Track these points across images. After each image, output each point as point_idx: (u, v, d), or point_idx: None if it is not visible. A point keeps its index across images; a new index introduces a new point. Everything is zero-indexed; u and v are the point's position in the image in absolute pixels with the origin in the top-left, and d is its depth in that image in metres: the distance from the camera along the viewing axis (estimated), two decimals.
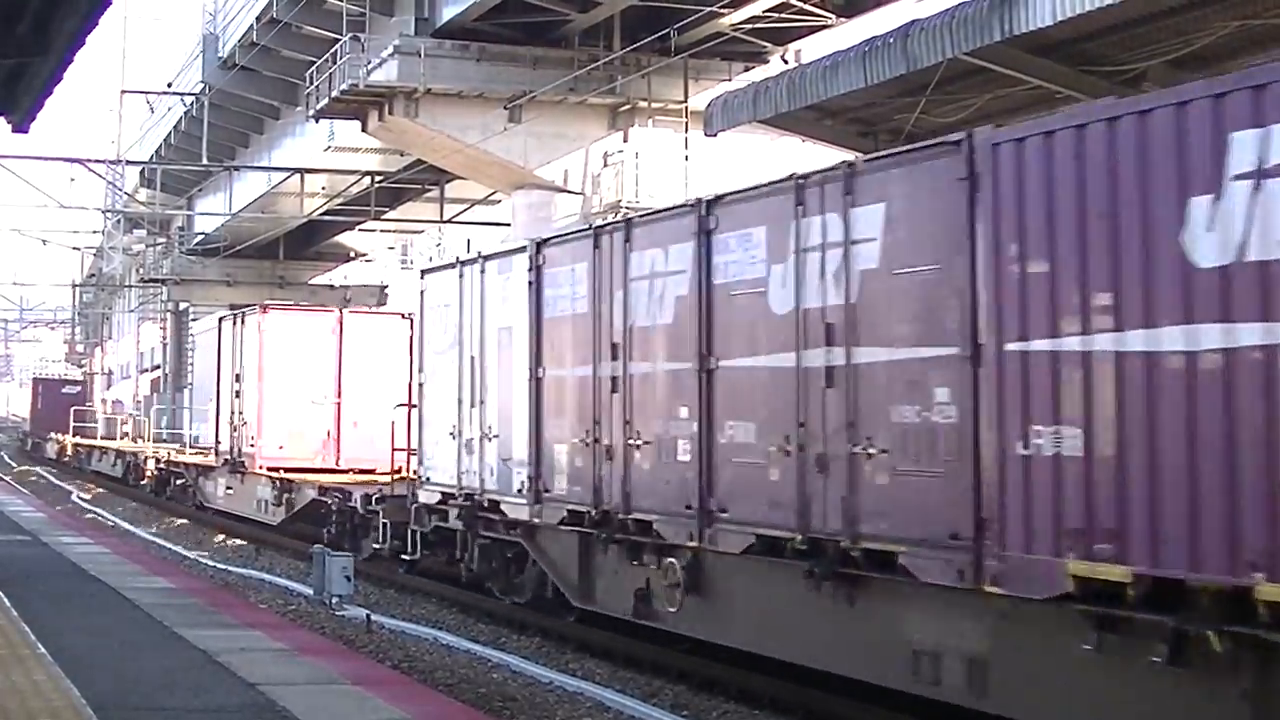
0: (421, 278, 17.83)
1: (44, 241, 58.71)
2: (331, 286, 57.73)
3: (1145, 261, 7.97)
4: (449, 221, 47.79)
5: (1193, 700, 7.83)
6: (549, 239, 14.86)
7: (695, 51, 28.60)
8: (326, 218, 45.43)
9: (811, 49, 30.48)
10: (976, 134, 9.27)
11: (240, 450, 25.87)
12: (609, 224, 13.86)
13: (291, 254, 53.45)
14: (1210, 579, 7.57)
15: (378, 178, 40.86)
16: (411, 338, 21.26)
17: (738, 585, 11.60)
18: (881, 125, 18.27)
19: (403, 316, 24.39)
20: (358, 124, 32.91)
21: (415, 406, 17.74)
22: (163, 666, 8.44)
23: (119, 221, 58.58)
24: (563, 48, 30.46)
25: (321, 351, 24.77)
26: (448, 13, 30.10)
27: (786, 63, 30.65)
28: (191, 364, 56.73)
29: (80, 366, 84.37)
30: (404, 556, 17.76)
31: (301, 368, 24.76)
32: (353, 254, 57.73)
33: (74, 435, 51.42)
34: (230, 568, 19.47)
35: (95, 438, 49.70)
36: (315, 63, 32.37)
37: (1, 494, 29.49)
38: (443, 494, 16.52)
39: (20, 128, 13.91)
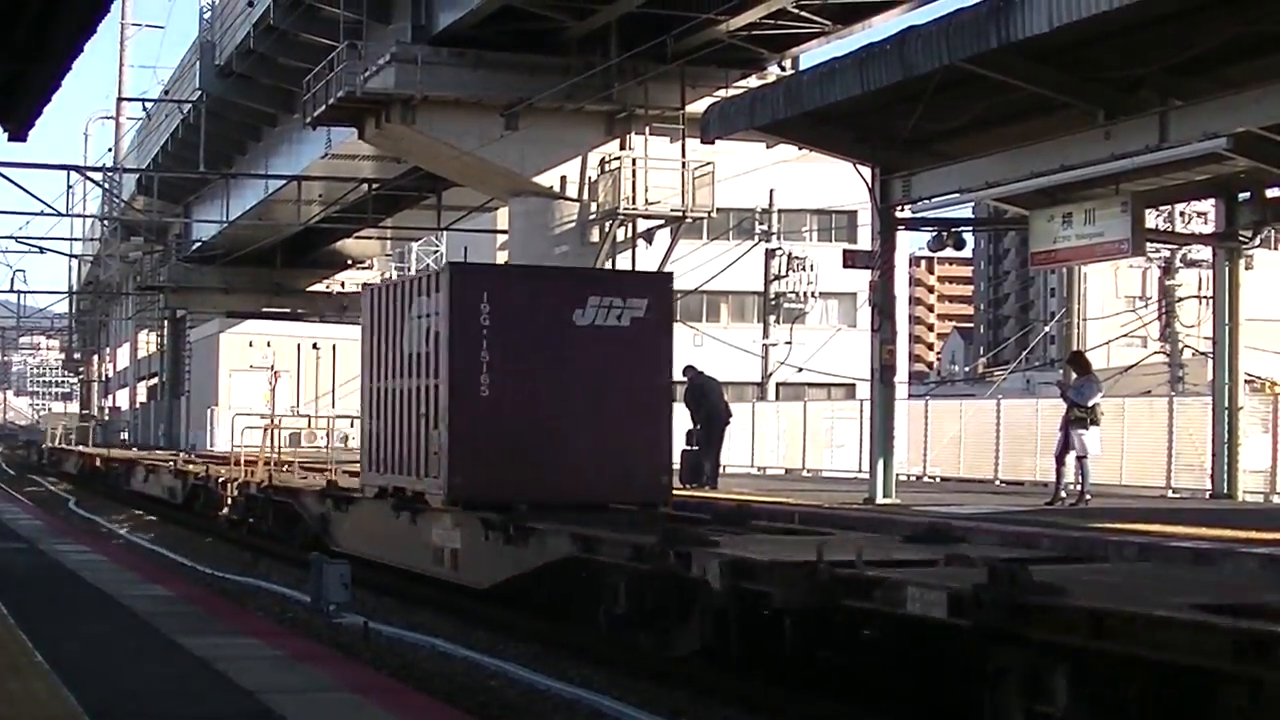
0: None
1: (41, 250, 58.64)
2: (329, 294, 57.73)
3: None
4: (446, 229, 47.90)
5: None
6: None
7: (692, 58, 28.63)
8: (324, 225, 45.46)
9: (808, 56, 30.59)
10: None
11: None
12: None
13: (289, 261, 53.49)
14: None
15: (375, 185, 40.89)
16: None
17: None
18: (878, 132, 18.30)
19: None
20: (355, 131, 32.93)
21: None
22: (160, 674, 8.43)
23: (116, 229, 58.57)
24: (559, 55, 30.47)
25: None
26: (444, 20, 30.12)
27: (783, 70, 30.70)
28: (189, 371, 56.69)
29: (78, 374, 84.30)
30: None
31: None
32: (350, 261, 57.73)
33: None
34: (228, 575, 19.42)
35: None
36: (312, 70, 32.39)
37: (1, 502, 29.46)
38: None
39: (17, 136, 13.90)
